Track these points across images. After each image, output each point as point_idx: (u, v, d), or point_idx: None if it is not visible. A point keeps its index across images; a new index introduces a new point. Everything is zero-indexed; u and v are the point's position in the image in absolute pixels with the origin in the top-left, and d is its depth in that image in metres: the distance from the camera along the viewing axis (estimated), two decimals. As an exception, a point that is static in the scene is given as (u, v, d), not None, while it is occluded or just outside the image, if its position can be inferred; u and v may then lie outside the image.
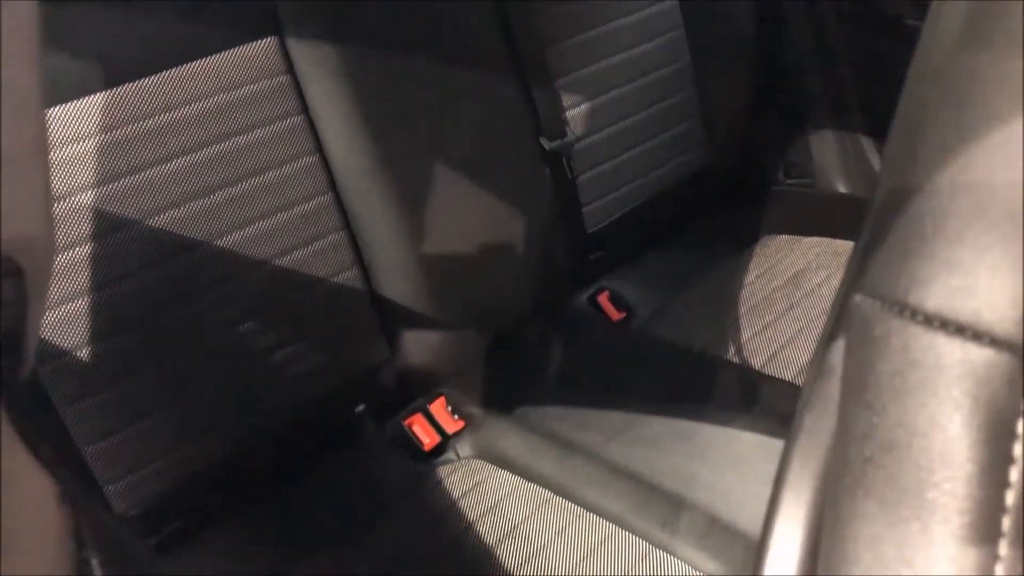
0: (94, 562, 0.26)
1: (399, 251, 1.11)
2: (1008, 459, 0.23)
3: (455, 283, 1.17)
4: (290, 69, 1.04)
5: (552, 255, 1.29)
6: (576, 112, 1.30)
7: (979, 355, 0.24)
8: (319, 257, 1.08)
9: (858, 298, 0.27)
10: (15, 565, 0.21)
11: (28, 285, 0.25)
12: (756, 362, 1.23)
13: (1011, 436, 0.23)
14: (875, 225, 0.29)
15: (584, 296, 1.39)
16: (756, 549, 0.31)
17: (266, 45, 1.02)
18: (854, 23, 1.43)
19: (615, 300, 1.38)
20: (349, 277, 1.10)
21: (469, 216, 1.17)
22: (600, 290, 1.39)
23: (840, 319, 0.29)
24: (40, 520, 0.24)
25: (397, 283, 1.13)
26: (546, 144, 1.25)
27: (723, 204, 1.56)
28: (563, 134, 1.27)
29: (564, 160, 1.28)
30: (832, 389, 0.29)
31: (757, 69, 1.51)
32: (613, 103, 1.35)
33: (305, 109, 1.05)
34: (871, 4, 1.38)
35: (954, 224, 0.25)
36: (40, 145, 0.26)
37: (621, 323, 1.36)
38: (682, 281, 1.41)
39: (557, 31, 1.28)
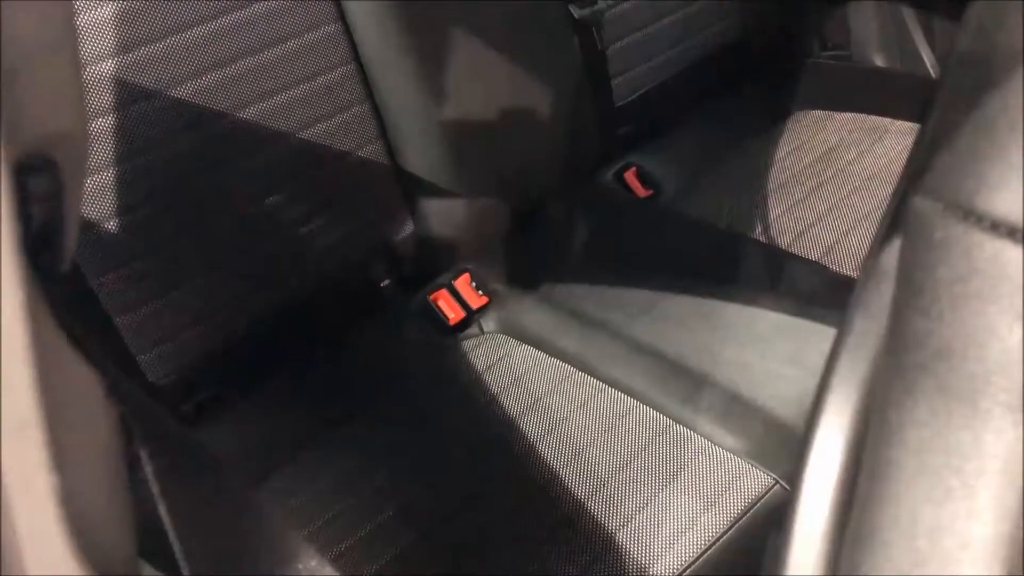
0: (143, 454, 0.27)
1: (423, 121, 1.09)
2: None
3: (479, 153, 1.16)
4: (341, 16, 1.01)
5: (579, 127, 1.27)
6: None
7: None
8: (342, 130, 1.06)
9: (918, 199, 0.26)
10: (68, 462, 0.22)
11: (63, 178, 0.25)
12: (783, 241, 1.22)
13: None
14: (940, 123, 0.27)
15: (611, 172, 1.36)
16: (799, 446, 0.32)
17: None
18: None
19: (642, 176, 1.35)
20: (373, 151, 1.09)
21: (494, 85, 1.14)
22: (627, 166, 1.36)
23: (897, 220, 0.28)
24: (89, 415, 0.25)
25: (421, 155, 1.12)
26: (576, 12, 1.20)
27: (756, 78, 1.51)
28: (594, 2, 1.22)
29: (594, 29, 1.24)
30: (885, 292, 0.28)
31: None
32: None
33: (357, 56, 1.02)
34: None
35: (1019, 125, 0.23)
36: (69, 34, 0.25)
37: (648, 200, 1.34)
38: (711, 157, 1.38)
39: None
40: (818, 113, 1.44)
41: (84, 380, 0.25)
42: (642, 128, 1.38)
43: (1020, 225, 0.23)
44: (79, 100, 0.27)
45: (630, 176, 1.35)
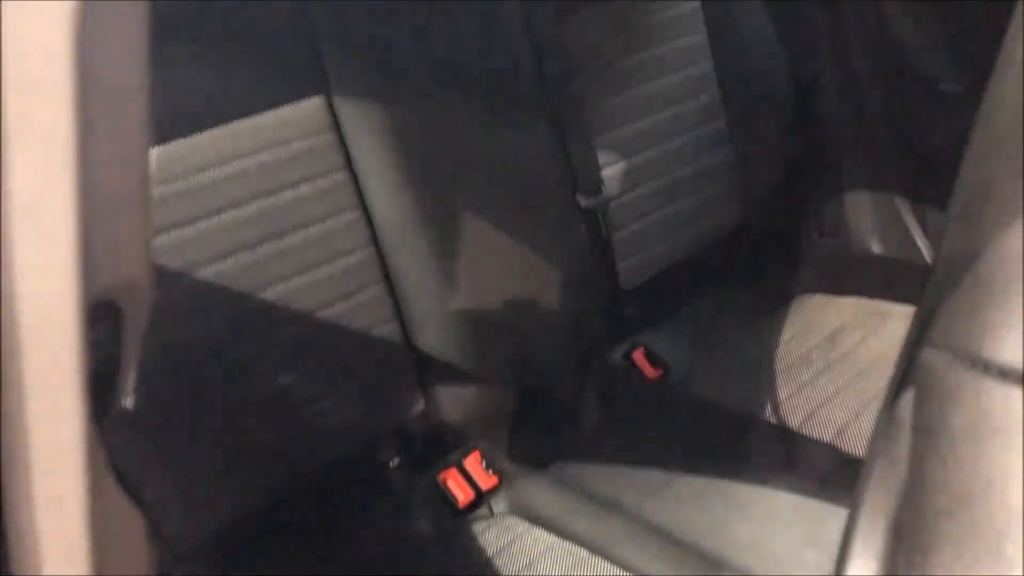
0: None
1: (436, 304, 1.12)
2: None
3: (490, 336, 1.18)
4: (336, 127, 1.06)
5: (587, 310, 1.30)
6: (612, 170, 1.32)
7: None
8: (359, 309, 1.09)
9: (927, 352, 0.28)
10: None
11: (126, 325, 0.26)
12: (793, 421, 1.21)
13: None
14: (942, 281, 0.29)
15: (619, 352, 1.38)
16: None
17: (314, 104, 1.05)
18: (889, 84, 1.44)
19: (650, 357, 1.37)
20: (387, 330, 1.11)
21: (505, 270, 1.19)
22: (635, 347, 1.39)
23: (908, 373, 0.30)
24: (131, 553, 0.25)
25: (433, 336, 1.14)
26: (582, 201, 1.27)
27: (758, 262, 1.56)
28: (599, 191, 1.29)
29: (600, 217, 1.30)
30: (902, 442, 0.29)
31: (792, 129, 1.52)
32: (649, 162, 1.36)
33: (349, 165, 1.07)
34: (906, 66, 1.39)
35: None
36: (145, 188, 0.28)
37: (657, 380, 1.35)
38: (718, 339, 1.41)
39: (594, 91, 1.30)
40: (821, 297, 1.47)
41: (129, 519, 0.25)
42: (650, 309, 1.41)
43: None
44: (148, 251, 0.29)
45: (639, 356, 1.37)
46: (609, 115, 1.31)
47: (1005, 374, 0.25)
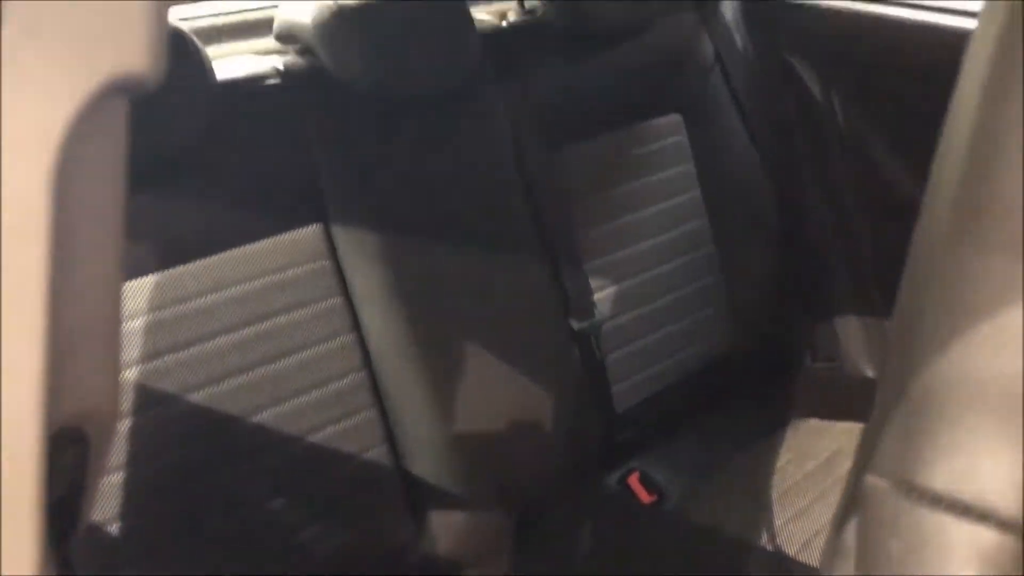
0: None
1: (429, 429, 1.12)
2: None
3: (483, 462, 1.18)
4: (332, 253, 1.10)
5: (581, 435, 1.30)
6: (604, 294, 1.34)
7: (986, 536, 0.25)
8: (350, 433, 1.09)
9: (870, 478, 0.29)
10: None
11: (91, 452, 0.28)
12: (790, 549, 1.19)
13: None
14: (882, 407, 0.30)
15: (614, 477, 1.37)
16: None
17: (312, 231, 1.08)
18: (874, 208, 1.48)
19: (645, 482, 1.36)
20: (378, 454, 1.11)
21: (498, 395, 1.19)
22: (630, 471, 1.38)
23: (853, 499, 0.30)
24: None
25: (426, 461, 1.14)
26: (575, 324, 1.29)
27: (752, 386, 1.56)
28: (591, 315, 1.31)
29: (592, 340, 1.31)
30: (847, 569, 0.30)
31: (779, 253, 1.55)
32: (640, 286, 1.39)
33: (344, 290, 1.10)
34: (889, 190, 1.43)
35: (954, 409, 0.26)
36: (115, 319, 0.29)
37: (652, 506, 1.34)
38: (714, 464, 1.40)
39: (586, 218, 1.34)
40: (815, 422, 1.47)
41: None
42: (644, 434, 1.41)
43: (956, 498, 0.25)
44: (115, 380, 0.30)
45: (633, 481, 1.36)
46: (601, 241, 1.35)
47: (938, 501, 0.26)
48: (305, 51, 1.14)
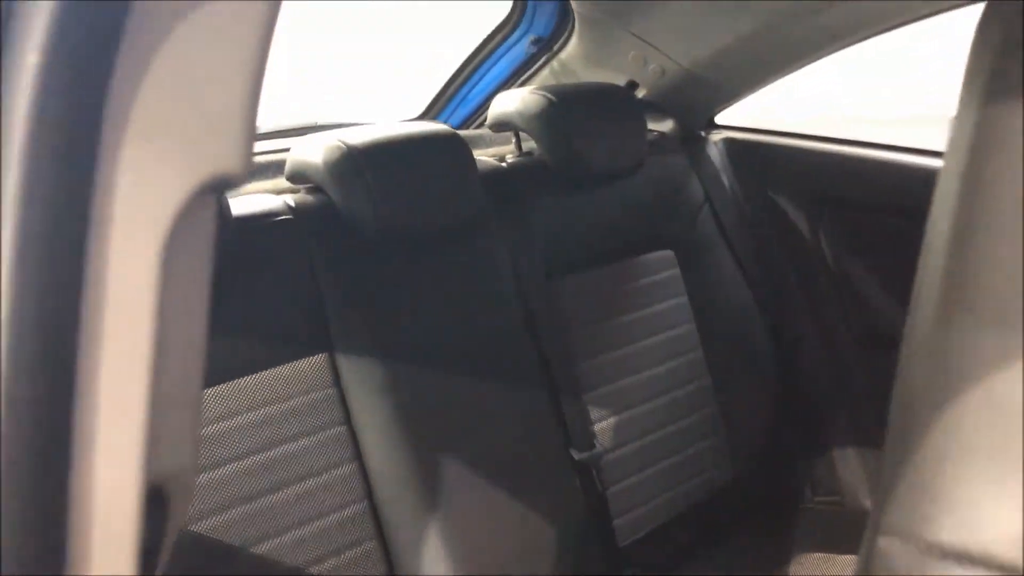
0: None
1: (432, 560, 1.11)
2: None
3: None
4: (337, 382, 1.11)
5: (581, 568, 1.28)
6: (604, 425, 1.35)
7: None
8: (351, 566, 1.08)
9: (881, 540, 0.30)
10: None
11: (171, 510, 0.29)
12: None
13: None
14: (888, 473, 0.32)
15: (618, 614, 1.34)
16: None
17: (318, 361, 1.10)
18: (865, 339, 1.52)
19: (650, 619, 1.33)
20: (380, 587, 1.09)
21: (499, 527, 1.18)
22: (634, 608, 1.35)
23: (867, 563, 0.32)
24: None
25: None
26: (575, 455, 1.29)
27: (754, 520, 1.55)
28: (592, 446, 1.31)
29: (593, 472, 1.31)
30: None
31: (775, 386, 1.57)
32: (640, 417, 1.40)
33: (348, 419, 1.11)
34: (879, 321, 1.47)
35: (954, 470, 0.29)
36: (198, 388, 0.31)
37: (657, 645, 1.30)
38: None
39: (585, 349, 1.37)
40: (819, 555, 1.45)
41: None
42: (648, 569, 1.38)
43: (963, 550, 0.27)
44: (195, 443, 0.32)
45: (638, 619, 1.33)
46: (599, 372, 1.37)
47: (947, 555, 0.27)
48: (315, 190, 1.20)
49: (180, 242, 0.27)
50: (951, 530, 0.27)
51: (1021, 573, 0.26)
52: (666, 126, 1.64)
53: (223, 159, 0.27)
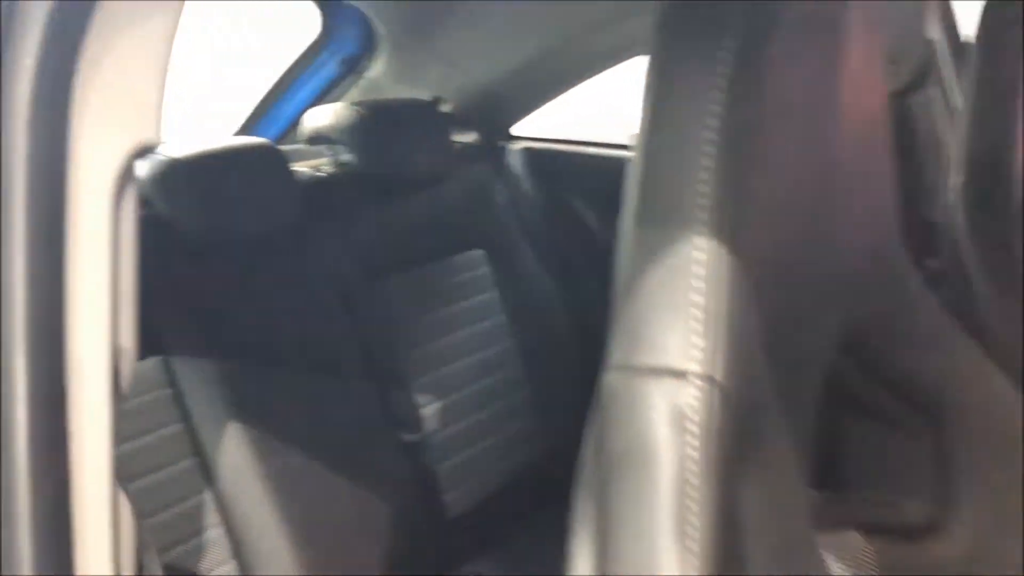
0: None
1: (274, 541, 1.19)
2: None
3: (325, 572, 1.24)
4: (172, 383, 1.18)
5: (418, 541, 1.39)
6: (429, 409, 1.47)
7: (677, 388, 0.41)
8: (196, 552, 1.14)
9: (607, 375, 0.44)
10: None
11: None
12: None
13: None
14: (612, 332, 0.47)
15: (452, 580, 1.46)
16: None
17: (151, 364, 1.16)
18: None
19: (482, 582, 1.46)
20: (226, 570, 1.16)
21: (339, 505, 1.28)
22: (466, 574, 1.47)
23: (601, 397, 0.46)
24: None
25: (271, 573, 1.19)
26: (405, 437, 1.40)
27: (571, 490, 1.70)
28: (419, 429, 1.44)
29: (422, 451, 1.43)
30: (591, 453, 0.45)
31: (580, 369, 1.74)
32: (462, 401, 1.53)
33: (185, 418, 1.17)
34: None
35: (648, 318, 0.43)
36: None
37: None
38: (547, 559, 1.51)
39: (408, 343, 1.48)
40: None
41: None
42: (480, 538, 1.51)
43: (656, 367, 0.42)
44: None
45: (472, 582, 1.45)
46: (422, 362, 1.49)
47: (644, 372, 0.42)
48: (141, 201, 1.26)
49: (120, 194, 0.39)
50: (650, 353, 0.42)
51: (685, 372, 0.41)
52: (470, 138, 1.79)
53: (146, 132, 0.38)
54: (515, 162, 1.80)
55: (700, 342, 0.41)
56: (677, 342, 0.42)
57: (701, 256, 0.42)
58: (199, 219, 1.21)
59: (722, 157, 0.43)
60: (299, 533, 1.21)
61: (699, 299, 0.42)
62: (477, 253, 1.66)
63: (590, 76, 1.61)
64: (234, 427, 1.19)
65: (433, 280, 1.57)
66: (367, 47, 1.64)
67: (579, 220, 1.75)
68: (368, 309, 1.44)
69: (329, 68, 1.67)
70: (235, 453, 1.19)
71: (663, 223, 0.44)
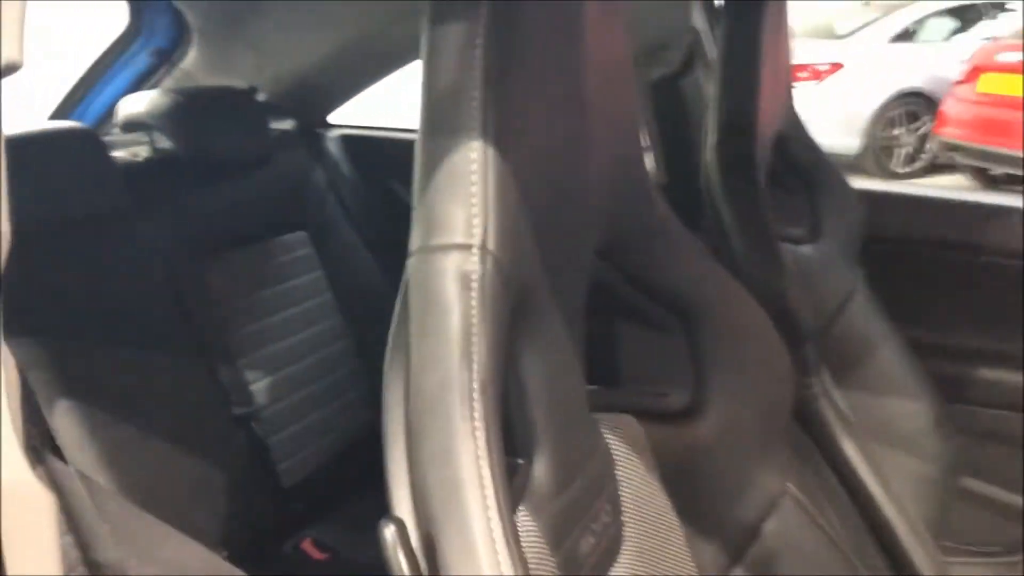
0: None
1: (110, 512, 1.21)
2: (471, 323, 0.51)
3: (160, 543, 1.28)
4: None
5: (253, 511, 1.44)
6: (262, 384, 1.53)
7: (462, 258, 0.53)
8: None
9: (407, 263, 0.55)
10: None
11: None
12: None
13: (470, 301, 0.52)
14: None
15: (289, 545, 1.52)
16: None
17: None
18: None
19: (319, 544, 1.53)
20: (64, 544, 1.18)
21: (176, 480, 1.32)
22: (303, 538, 1.54)
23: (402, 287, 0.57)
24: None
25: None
26: (237, 411, 1.46)
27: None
28: (250, 403, 1.49)
29: (254, 425, 1.49)
30: (405, 335, 0.56)
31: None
32: (293, 375, 1.60)
33: None
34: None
35: (438, 195, 0.55)
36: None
37: (324, 562, 1.50)
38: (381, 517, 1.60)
39: (237, 322, 1.53)
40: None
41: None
42: (315, 505, 1.58)
43: (446, 243, 0.53)
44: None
45: (307, 545, 1.52)
46: (252, 340, 1.55)
47: (434, 249, 0.53)
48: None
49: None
50: (438, 237, 0.54)
51: (469, 246, 0.52)
52: (288, 125, 1.86)
53: (9, 51, 0.42)
54: (333, 148, 1.88)
55: (479, 223, 0.53)
56: (461, 225, 0.53)
57: (476, 156, 0.54)
58: (19, 203, 1.22)
59: (488, 80, 0.55)
60: (136, 503, 1.24)
61: (476, 190, 0.54)
62: (300, 235, 1.72)
63: (403, 64, 1.71)
64: (65, 404, 1.21)
65: (258, 261, 1.63)
66: (178, 39, 1.67)
67: (397, 201, 1.86)
68: (196, 290, 1.48)
69: (141, 59, 1.68)
70: (68, 430, 1.21)
71: (446, 133, 0.56)
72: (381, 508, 1.56)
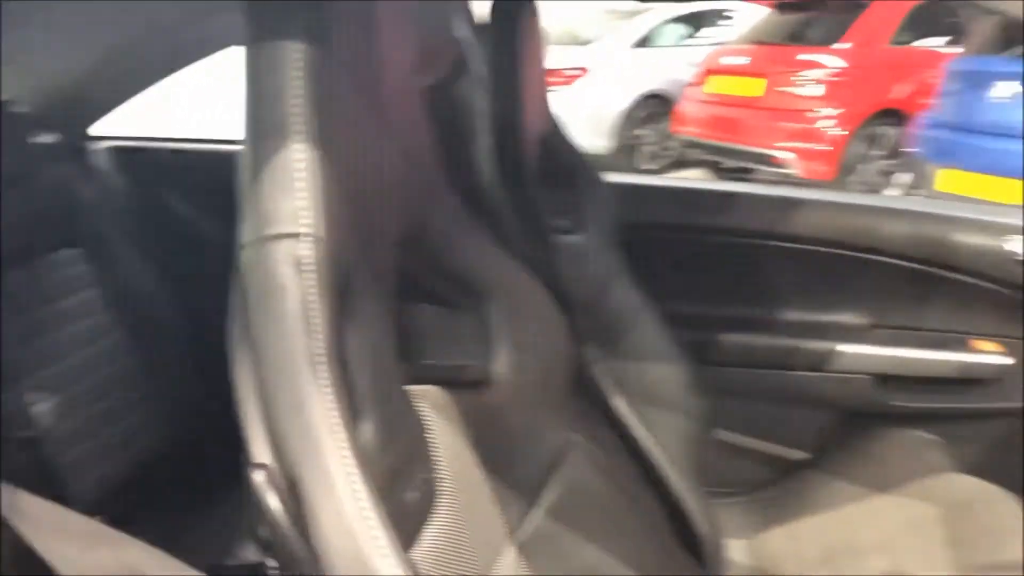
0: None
1: None
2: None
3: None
4: None
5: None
6: (44, 405, 1.48)
7: (295, 244, 0.60)
8: None
9: (240, 256, 0.62)
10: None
11: None
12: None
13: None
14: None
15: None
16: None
17: None
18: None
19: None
20: None
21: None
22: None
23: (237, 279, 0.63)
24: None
25: None
26: (18, 434, 1.40)
27: (201, 472, 1.78)
28: (34, 425, 1.44)
29: (41, 447, 1.44)
30: (244, 324, 0.62)
31: (191, 348, 1.83)
32: (80, 394, 1.56)
33: None
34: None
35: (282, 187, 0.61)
36: None
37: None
38: (183, 537, 1.58)
39: (10, 342, 1.47)
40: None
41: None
42: (116, 520, 1.54)
43: (282, 232, 0.59)
44: None
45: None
46: (30, 360, 1.49)
47: (271, 239, 0.60)
48: None
49: None
50: (269, 227, 0.61)
51: (298, 233, 0.59)
52: (52, 138, 1.78)
53: None
54: (101, 161, 1.83)
55: (307, 214, 0.60)
56: (290, 216, 0.60)
57: (302, 153, 0.62)
58: None
59: (309, 79, 0.62)
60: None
61: (302, 185, 0.61)
62: (72, 252, 1.67)
63: (173, 72, 1.70)
64: None
65: (30, 281, 1.56)
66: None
67: (172, 212, 1.84)
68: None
69: None
70: None
71: (271, 135, 0.62)
72: (178, 525, 1.56)
